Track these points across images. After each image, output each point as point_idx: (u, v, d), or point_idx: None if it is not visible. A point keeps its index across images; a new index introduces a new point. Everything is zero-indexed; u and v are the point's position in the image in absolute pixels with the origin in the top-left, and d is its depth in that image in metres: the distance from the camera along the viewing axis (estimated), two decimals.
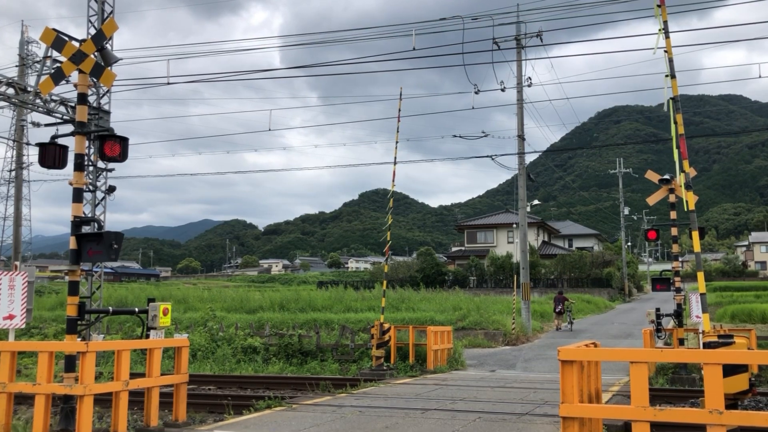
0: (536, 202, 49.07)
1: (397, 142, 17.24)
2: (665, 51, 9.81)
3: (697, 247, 9.07)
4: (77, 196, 8.38)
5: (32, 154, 32.40)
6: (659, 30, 9.89)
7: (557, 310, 31.05)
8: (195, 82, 25.69)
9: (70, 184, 8.34)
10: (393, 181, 17.26)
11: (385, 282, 17.85)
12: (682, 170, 9.54)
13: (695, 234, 9.32)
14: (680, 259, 16.32)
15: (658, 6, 9.90)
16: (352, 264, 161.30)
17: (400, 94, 17.89)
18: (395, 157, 17.26)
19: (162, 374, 8.80)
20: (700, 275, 9.14)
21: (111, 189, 18.91)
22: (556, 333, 29.42)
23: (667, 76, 9.59)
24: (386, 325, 15.92)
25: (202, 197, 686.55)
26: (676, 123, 9.43)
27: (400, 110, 17.64)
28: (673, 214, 14.11)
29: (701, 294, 9.37)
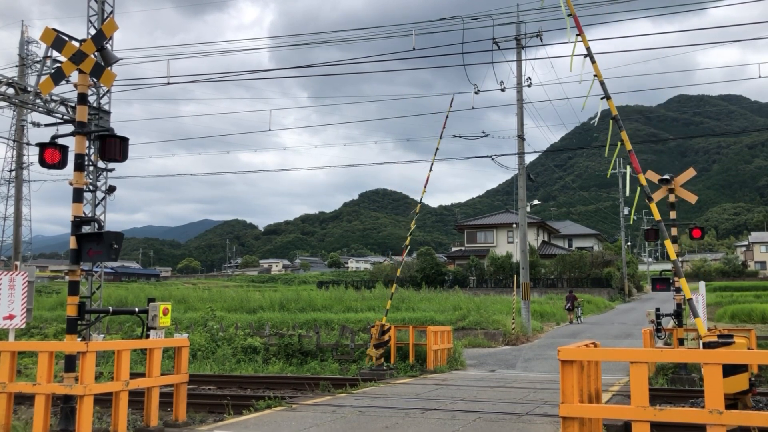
0: (536, 202, 49.03)
1: (437, 149, 17.36)
2: (595, 75, 9.99)
3: (673, 255, 9.10)
4: (77, 196, 8.39)
5: (32, 154, 32.39)
6: (584, 56, 10.01)
7: (567, 307, 35.27)
8: (192, 82, 25.67)
9: (70, 184, 8.34)
10: (425, 187, 17.50)
11: (394, 285, 18.04)
12: (639, 184, 9.58)
13: (668, 243, 9.42)
14: (680, 259, 16.32)
15: (578, 35, 10.05)
16: (352, 264, 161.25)
17: (451, 103, 17.93)
18: (431, 165, 17.39)
19: (162, 374, 8.80)
20: (683, 282, 9.14)
21: (111, 189, 18.92)
22: (555, 333, 29.46)
23: (602, 98, 9.73)
24: (386, 325, 15.93)
25: (197, 197, 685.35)
26: (622, 141, 9.58)
27: (447, 118, 17.62)
28: (673, 214, 14.11)
29: (688, 299, 9.41)
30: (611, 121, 9.95)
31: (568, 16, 10.10)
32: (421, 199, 17.93)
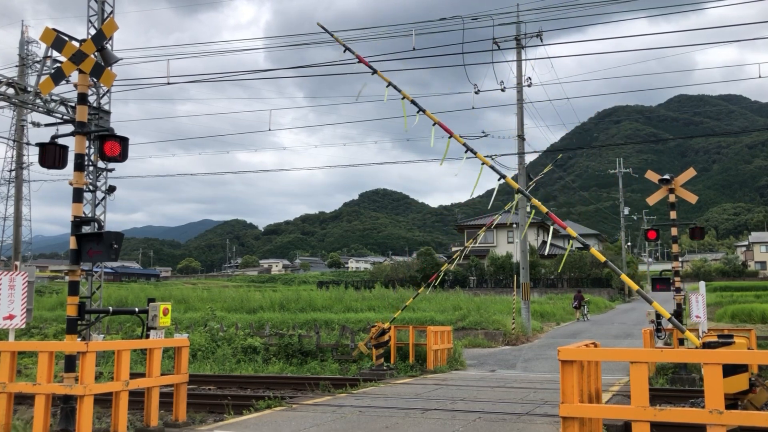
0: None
1: (516, 191, 17.63)
2: (482, 163, 10.35)
3: (634, 287, 9.13)
4: (77, 196, 8.38)
5: (32, 154, 32.40)
6: (464, 154, 10.34)
7: (575, 305, 37.24)
8: (191, 82, 25.70)
9: (70, 184, 8.34)
10: (494, 222, 17.75)
11: (411, 299, 18.27)
12: (570, 237, 9.68)
13: (625, 277, 9.51)
14: (680, 259, 16.33)
15: (450, 137, 10.38)
16: (352, 264, 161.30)
17: (556, 164, 18.18)
18: (513, 208, 17.55)
19: (162, 374, 8.80)
20: (656, 305, 9.14)
21: (111, 189, 18.92)
22: (556, 333, 29.49)
23: (499, 179, 10.00)
24: (386, 326, 15.93)
25: (197, 197, 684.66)
26: (536, 208, 9.87)
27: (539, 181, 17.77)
28: (673, 214, 14.11)
29: (669, 318, 9.42)
30: (516, 195, 10.29)
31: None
32: (479, 236, 18.31)
